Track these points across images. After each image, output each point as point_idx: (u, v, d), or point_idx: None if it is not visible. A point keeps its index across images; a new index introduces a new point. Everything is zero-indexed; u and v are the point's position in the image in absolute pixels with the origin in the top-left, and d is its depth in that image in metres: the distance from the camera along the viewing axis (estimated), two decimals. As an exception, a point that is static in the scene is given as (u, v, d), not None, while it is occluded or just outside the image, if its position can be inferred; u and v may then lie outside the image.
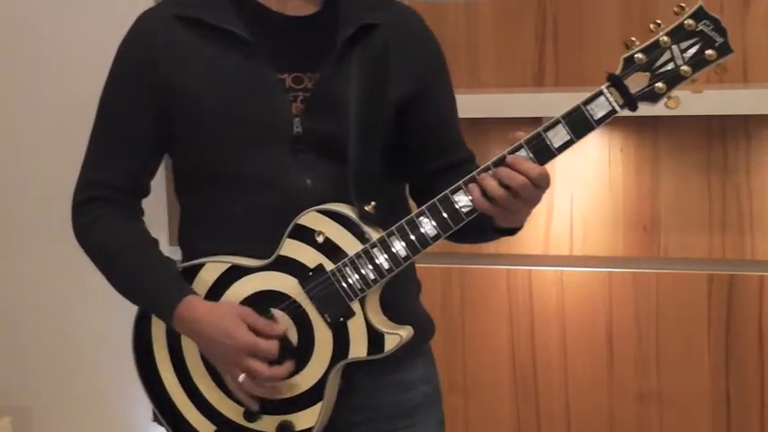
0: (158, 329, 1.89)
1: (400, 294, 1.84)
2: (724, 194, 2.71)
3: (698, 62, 1.65)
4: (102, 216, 1.87)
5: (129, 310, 3.38)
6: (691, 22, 1.66)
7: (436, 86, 1.89)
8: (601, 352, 2.84)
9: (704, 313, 2.75)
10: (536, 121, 2.76)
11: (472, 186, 1.70)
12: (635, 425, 2.83)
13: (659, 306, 2.78)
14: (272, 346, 1.75)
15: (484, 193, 1.69)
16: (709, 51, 1.64)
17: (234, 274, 1.80)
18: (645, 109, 1.67)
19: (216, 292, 1.81)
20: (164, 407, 1.90)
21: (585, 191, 2.80)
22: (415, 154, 1.88)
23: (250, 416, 1.81)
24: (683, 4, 1.67)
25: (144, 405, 2.94)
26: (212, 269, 1.82)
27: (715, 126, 2.69)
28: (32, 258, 3.35)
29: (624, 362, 2.82)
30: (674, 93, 1.66)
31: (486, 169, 1.69)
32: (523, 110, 2.66)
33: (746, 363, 2.74)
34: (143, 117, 1.83)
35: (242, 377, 1.75)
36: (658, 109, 1.67)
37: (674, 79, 1.66)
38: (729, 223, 2.71)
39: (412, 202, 1.89)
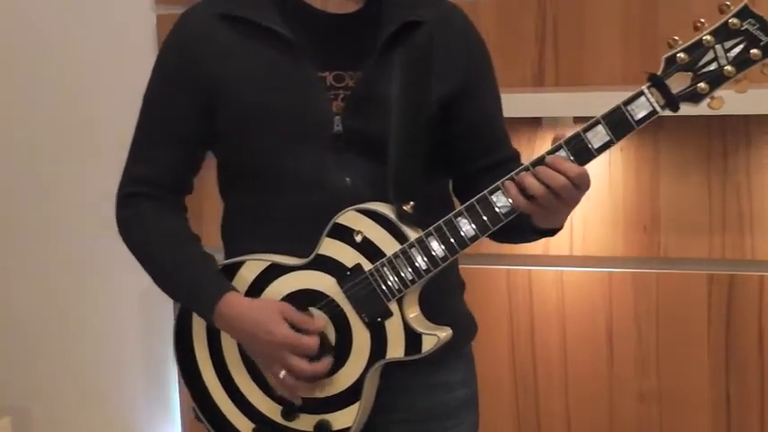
0: (199, 327, 1.89)
1: (442, 293, 1.84)
2: (724, 194, 2.71)
3: (742, 62, 1.62)
4: (145, 211, 1.87)
5: (129, 311, 3.40)
6: (735, 20, 1.62)
7: (481, 84, 1.88)
8: (601, 352, 2.84)
9: (704, 313, 2.75)
10: (536, 121, 2.76)
11: (510, 184, 1.69)
12: (635, 425, 2.83)
13: (659, 306, 2.78)
14: (312, 342, 1.75)
15: (523, 190, 1.68)
16: (754, 51, 1.61)
17: (273, 272, 1.81)
18: (685, 109, 1.65)
19: (255, 290, 1.82)
20: (204, 404, 1.90)
21: (585, 191, 2.79)
22: (458, 152, 1.88)
23: (288, 414, 1.82)
24: (727, 3, 1.62)
25: (144, 405, 2.95)
26: (252, 267, 1.82)
27: (715, 126, 2.69)
28: (32, 258, 3.35)
29: (624, 362, 2.82)
30: (718, 93, 1.64)
31: (525, 169, 1.68)
32: (523, 110, 2.66)
33: (746, 363, 2.74)
34: (186, 115, 1.84)
35: (283, 373, 1.76)
36: (701, 109, 1.65)
37: (717, 79, 1.63)
38: (729, 223, 2.71)
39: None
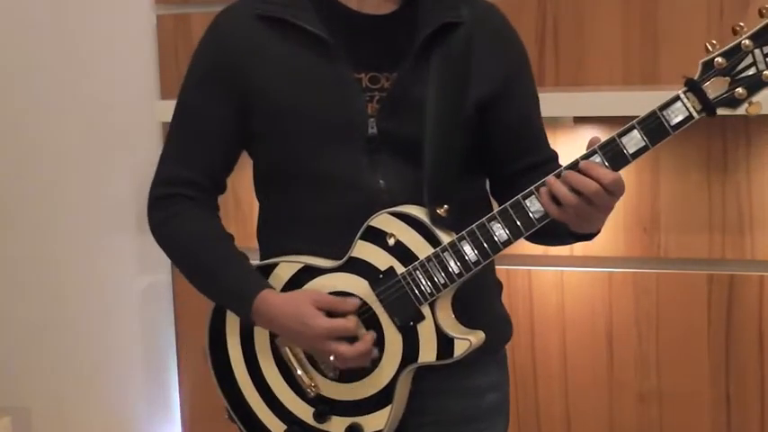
0: (232, 328, 1.89)
1: (477, 296, 1.83)
2: (724, 194, 2.71)
3: None
4: (179, 212, 1.86)
5: (129, 311, 3.40)
6: None
7: (518, 85, 1.87)
8: (601, 352, 2.83)
9: (704, 313, 2.75)
10: (536, 121, 2.76)
11: (543, 191, 1.67)
12: (635, 425, 2.83)
13: (659, 306, 2.78)
14: (348, 324, 1.75)
15: (554, 198, 1.67)
16: None
17: (306, 274, 1.81)
18: (721, 113, 1.64)
19: (289, 291, 1.82)
20: (236, 405, 1.91)
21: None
22: (496, 154, 1.87)
23: (319, 416, 1.82)
24: (767, 6, 1.61)
25: (144, 405, 2.95)
26: (286, 269, 1.83)
27: (715, 126, 2.69)
28: (32, 258, 3.35)
29: (624, 362, 2.82)
30: (756, 98, 1.62)
31: (559, 174, 1.67)
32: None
33: (746, 363, 2.74)
34: (222, 115, 1.83)
35: (332, 358, 1.76)
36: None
37: (755, 85, 1.61)
38: (729, 223, 2.71)
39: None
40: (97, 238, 3.27)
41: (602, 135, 1.71)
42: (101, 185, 3.26)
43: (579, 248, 2.81)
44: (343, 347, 1.74)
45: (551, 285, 2.86)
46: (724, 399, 2.76)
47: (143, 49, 3.16)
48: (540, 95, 2.76)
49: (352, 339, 1.76)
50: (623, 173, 2.74)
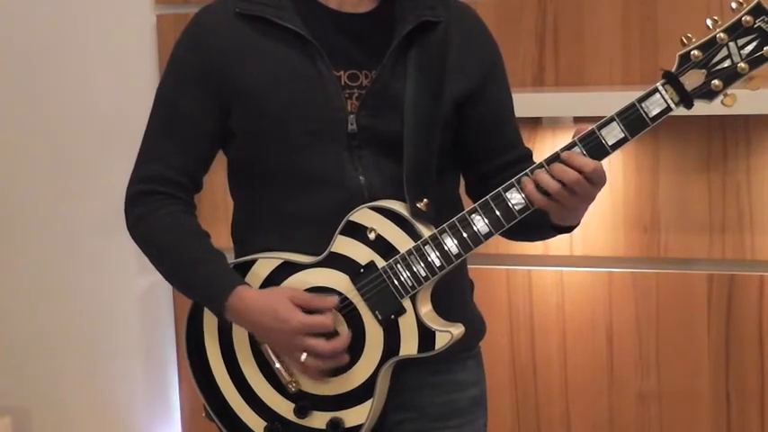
0: (210, 325, 1.89)
1: (452, 292, 1.85)
2: (724, 194, 2.71)
3: (756, 59, 1.63)
4: (156, 209, 1.86)
5: (129, 311, 3.40)
6: (749, 18, 1.63)
7: (493, 83, 1.89)
8: (601, 352, 2.83)
9: (704, 313, 2.75)
10: (536, 121, 2.76)
11: (526, 180, 1.70)
12: (635, 425, 2.83)
13: (659, 306, 2.78)
14: (325, 320, 1.76)
15: (538, 186, 1.69)
16: (767, 48, 1.62)
17: (286, 270, 1.81)
18: (699, 107, 1.67)
19: (268, 288, 1.82)
20: (215, 403, 1.91)
21: (585, 191, 2.79)
22: (471, 151, 1.89)
23: (301, 412, 1.82)
24: (741, 0, 1.63)
25: (144, 405, 2.95)
26: (264, 265, 1.83)
27: (715, 126, 2.69)
28: (32, 258, 3.35)
29: (624, 362, 2.82)
30: (731, 90, 1.65)
31: (540, 166, 1.70)
32: (523, 109, 2.63)
33: (746, 363, 2.74)
34: (201, 112, 1.84)
35: (304, 356, 1.76)
36: (703, 108, 1.67)
37: (730, 77, 1.65)
38: (729, 223, 2.71)
39: (466, 200, 1.89)
40: (97, 239, 3.27)
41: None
42: (101, 185, 3.25)
43: (579, 248, 2.82)
44: (319, 343, 1.75)
45: (551, 285, 2.86)
46: (724, 398, 2.76)
47: (143, 49, 3.16)
48: (540, 95, 2.77)
49: (328, 338, 1.76)
50: (620, 169, 2.76)
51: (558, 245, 2.79)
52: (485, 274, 2.85)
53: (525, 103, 2.66)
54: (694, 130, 2.70)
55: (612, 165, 2.77)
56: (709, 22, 1.65)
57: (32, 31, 3.26)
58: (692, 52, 1.65)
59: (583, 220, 2.85)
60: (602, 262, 2.82)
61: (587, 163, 1.68)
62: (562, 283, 2.85)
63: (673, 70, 1.66)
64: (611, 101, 2.69)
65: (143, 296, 3.27)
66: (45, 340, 3.36)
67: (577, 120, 2.73)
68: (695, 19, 2.67)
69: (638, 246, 2.78)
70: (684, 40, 1.66)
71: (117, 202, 3.27)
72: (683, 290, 2.76)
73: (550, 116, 2.75)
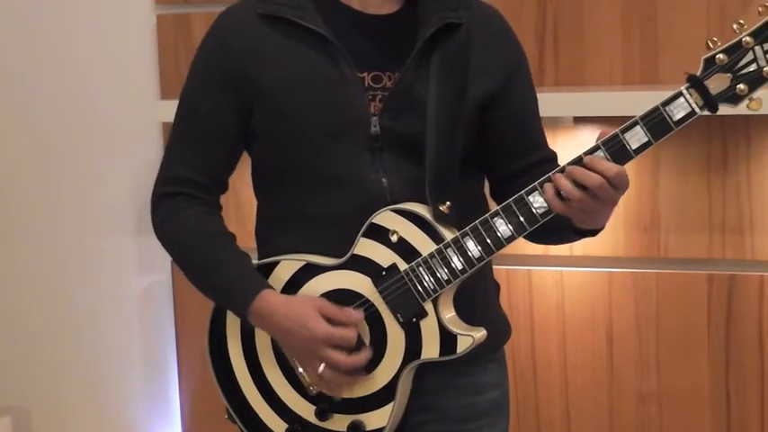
0: (233, 327, 1.89)
1: (477, 295, 1.84)
2: (724, 194, 2.71)
3: None
4: (181, 211, 1.87)
5: (129, 311, 3.40)
6: None
7: (518, 86, 1.88)
8: (601, 352, 2.83)
9: (704, 313, 2.75)
10: (536, 121, 2.76)
11: (547, 186, 1.69)
12: (635, 425, 2.83)
13: (659, 306, 2.78)
14: (349, 334, 1.75)
15: (559, 191, 1.68)
16: None
17: (308, 272, 1.81)
18: (723, 110, 1.65)
19: (290, 289, 1.83)
20: (237, 404, 1.90)
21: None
22: (495, 154, 1.88)
23: (322, 414, 1.82)
24: (766, 4, 1.63)
25: (144, 405, 2.95)
26: (287, 267, 1.83)
27: (715, 126, 2.69)
28: (32, 258, 3.35)
29: (624, 362, 2.82)
30: (757, 94, 1.64)
31: (563, 170, 1.68)
32: (523, 110, 2.65)
33: (746, 363, 2.74)
34: (224, 114, 1.84)
35: (322, 367, 1.76)
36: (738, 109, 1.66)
37: (756, 81, 1.63)
38: (729, 223, 2.71)
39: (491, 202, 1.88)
40: (97, 239, 3.27)
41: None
42: (101, 185, 3.25)
43: (579, 248, 2.82)
44: (341, 356, 1.75)
45: (551, 285, 2.86)
46: (724, 399, 2.76)
47: (143, 49, 3.16)
48: (540, 95, 2.76)
49: (348, 353, 1.76)
50: (624, 172, 2.76)
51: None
52: (485, 274, 2.86)
53: (525, 103, 2.68)
54: (694, 130, 2.68)
55: (612, 165, 2.77)
56: (735, 26, 1.64)
57: (32, 31, 3.25)
58: (717, 56, 1.64)
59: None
60: (602, 262, 2.82)
61: (610, 167, 1.66)
62: (562, 283, 2.85)
63: (698, 74, 1.65)
64: (611, 101, 2.71)
65: (143, 296, 3.27)
66: (45, 340, 3.36)
67: (577, 120, 2.73)
68: (695, 19, 2.68)
69: (638, 246, 2.78)
70: (710, 43, 1.64)
71: (117, 202, 3.29)
72: (683, 290, 2.76)
73: (550, 116, 2.74)
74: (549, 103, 2.72)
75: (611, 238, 2.80)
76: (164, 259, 3.19)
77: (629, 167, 2.77)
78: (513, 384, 2.90)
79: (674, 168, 2.74)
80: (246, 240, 1.95)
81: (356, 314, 1.77)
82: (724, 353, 2.75)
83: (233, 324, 1.88)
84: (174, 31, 3.11)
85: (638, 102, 2.50)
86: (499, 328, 1.92)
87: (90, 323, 3.32)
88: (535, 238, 1.80)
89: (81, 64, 3.23)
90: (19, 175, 3.33)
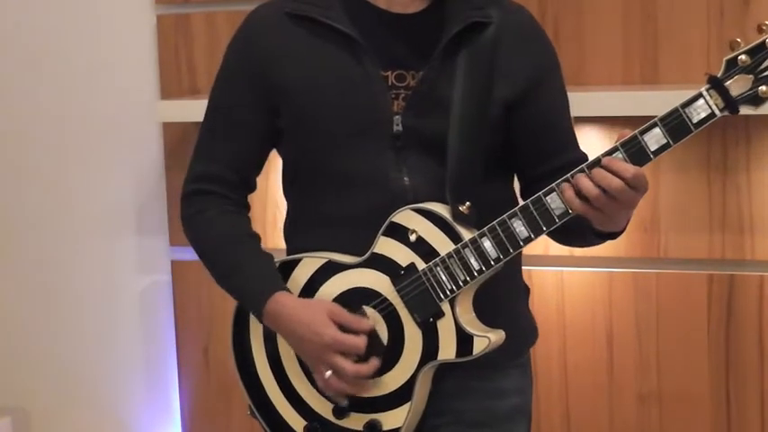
0: (256, 324, 1.89)
1: (499, 297, 1.83)
2: (724, 194, 2.71)
3: None
4: (208, 208, 1.88)
5: (129, 311, 3.40)
6: None
7: (547, 86, 1.87)
8: (601, 352, 2.83)
9: (704, 313, 2.75)
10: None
11: (565, 186, 1.68)
12: (635, 425, 2.83)
13: (659, 306, 2.78)
14: (358, 342, 1.75)
15: (578, 192, 1.67)
16: None
17: (329, 269, 1.82)
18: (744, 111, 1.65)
19: (312, 287, 1.83)
20: (259, 401, 1.91)
21: (585, 191, 2.79)
22: (525, 155, 1.87)
23: (339, 413, 1.82)
24: None
25: (144, 405, 2.94)
26: (309, 264, 1.84)
27: (715, 126, 2.67)
28: (32, 258, 3.35)
29: (624, 362, 2.82)
30: None
31: (581, 171, 1.68)
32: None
33: (746, 363, 2.74)
34: (253, 112, 1.85)
35: (328, 374, 1.76)
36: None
37: None
38: (729, 223, 2.71)
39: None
40: (97, 239, 3.27)
41: (602, 135, 1.71)
42: (101, 186, 3.25)
43: (579, 249, 2.81)
44: (346, 364, 1.75)
45: (551, 285, 2.86)
46: (724, 399, 2.76)
47: (143, 49, 3.16)
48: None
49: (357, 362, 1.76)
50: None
51: (558, 245, 2.79)
52: (485, 274, 2.86)
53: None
54: (694, 130, 2.69)
55: (612, 165, 2.77)
56: (763, 27, 1.61)
57: (32, 31, 3.26)
58: (739, 57, 1.61)
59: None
60: (602, 262, 2.82)
61: (627, 168, 1.65)
62: (562, 283, 2.85)
63: (718, 75, 1.63)
64: (611, 101, 2.70)
65: (143, 296, 3.27)
66: (45, 340, 3.36)
67: (577, 120, 2.73)
68: (695, 19, 2.68)
69: (638, 246, 2.78)
70: (733, 44, 1.62)
71: (117, 202, 3.29)
72: (683, 290, 2.76)
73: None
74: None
75: (611, 238, 2.80)
76: (164, 259, 3.19)
77: (630, 167, 2.77)
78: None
79: (674, 168, 2.74)
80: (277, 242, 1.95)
81: (367, 323, 1.77)
82: (724, 353, 2.75)
83: (255, 322, 1.89)
84: (174, 31, 3.11)
85: (638, 102, 2.52)
86: (523, 333, 1.91)
87: (90, 323, 3.32)
88: (558, 239, 1.80)
89: (81, 64, 3.23)
90: (19, 174, 3.33)
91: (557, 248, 2.80)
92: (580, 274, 2.84)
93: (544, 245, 2.81)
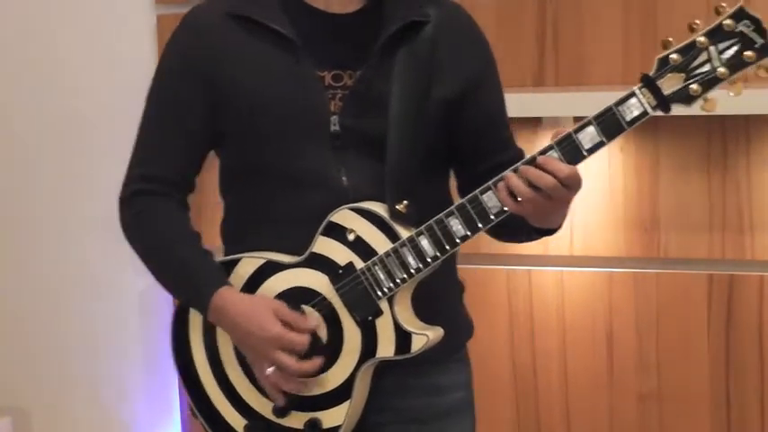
0: (195, 323, 1.90)
1: (437, 295, 1.83)
2: (724, 194, 2.71)
3: (736, 64, 1.61)
4: (148, 209, 1.87)
5: (129, 312, 3.39)
6: (730, 22, 1.61)
7: (485, 85, 1.87)
8: (601, 352, 2.83)
9: (704, 313, 2.75)
10: (536, 121, 2.76)
11: (500, 186, 1.69)
12: (635, 425, 2.83)
13: (659, 306, 2.78)
14: (302, 340, 1.75)
15: (512, 193, 1.68)
16: (748, 53, 1.60)
17: (269, 269, 1.82)
18: (683, 110, 1.65)
19: (251, 287, 1.83)
20: (199, 400, 1.91)
21: (585, 191, 2.78)
22: (463, 153, 1.88)
23: (279, 412, 1.82)
24: (723, 4, 1.62)
25: (144, 405, 2.94)
26: (248, 264, 1.83)
27: (715, 126, 2.69)
28: (32, 258, 3.35)
29: (624, 362, 2.82)
30: (711, 95, 1.63)
31: (516, 170, 1.68)
32: (523, 110, 2.65)
33: (746, 363, 2.74)
34: (191, 112, 1.84)
35: (270, 370, 1.76)
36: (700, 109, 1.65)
37: (709, 81, 1.62)
38: (729, 223, 2.71)
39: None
40: (97, 239, 3.27)
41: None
42: (101, 186, 3.25)
43: (579, 248, 2.82)
44: (290, 361, 1.75)
45: (551, 285, 2.85)
46: (724, 399, 2.76)
47: (143, 49, 3.16)
48: (541, 95, 2.77)
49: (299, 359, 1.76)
50: (620, 169, 2.76)
51: (557, 245, 2.80)
52: (485, 274, 2.85)
53: (525, 103, 2.68)
54: (694, 129, 2.70)
55: (612, 165, 2.77)
56: (692, 25, 1.64)
57: (32, 31, 3.26)
58: (670, 56, 1.62)
59: (582, 220, 2.87)
60: (602, 262, 2.82)
61: (562, 168, 1.66)
62: (562, 283, 2.85)
63: (651, 74, 1.64)
64: (611, 101, 2.70)
65: (143, 296, 3.27)
66: (45, 340, 3.36)
67: (577, 120, 2.73)
68: (695, 19, 2.67)
69: (638, 246, 2.78)
70: (665, 43, 1.64)
71: (117, 202, 3.28)
72: (683, 290, 2.76)
73: (551, 116, 2.75)
74: (549, 103, 2.73)
75: (611, 238, 2.80)
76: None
77: (629, 167, 2.78)
78: (514, 384, 2.91)
79: (674, 168, 2.74)
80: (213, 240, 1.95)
81: (311, 321, 1.77)
82: (724, 353, 2.75)
83: (196, 321, 1.89)
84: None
85: (638, 102, 2.52)
86: (460, 329, 1.92)
87: (90, 323, 3.32)
88: (497, 235, 1.81)
89: (81, 64, 3.23)
90: (19, 174, 3.33)
91: (557, 248, 2.82)
92: (580, 275, 2.84)
93: (544, 245, 2.81)
